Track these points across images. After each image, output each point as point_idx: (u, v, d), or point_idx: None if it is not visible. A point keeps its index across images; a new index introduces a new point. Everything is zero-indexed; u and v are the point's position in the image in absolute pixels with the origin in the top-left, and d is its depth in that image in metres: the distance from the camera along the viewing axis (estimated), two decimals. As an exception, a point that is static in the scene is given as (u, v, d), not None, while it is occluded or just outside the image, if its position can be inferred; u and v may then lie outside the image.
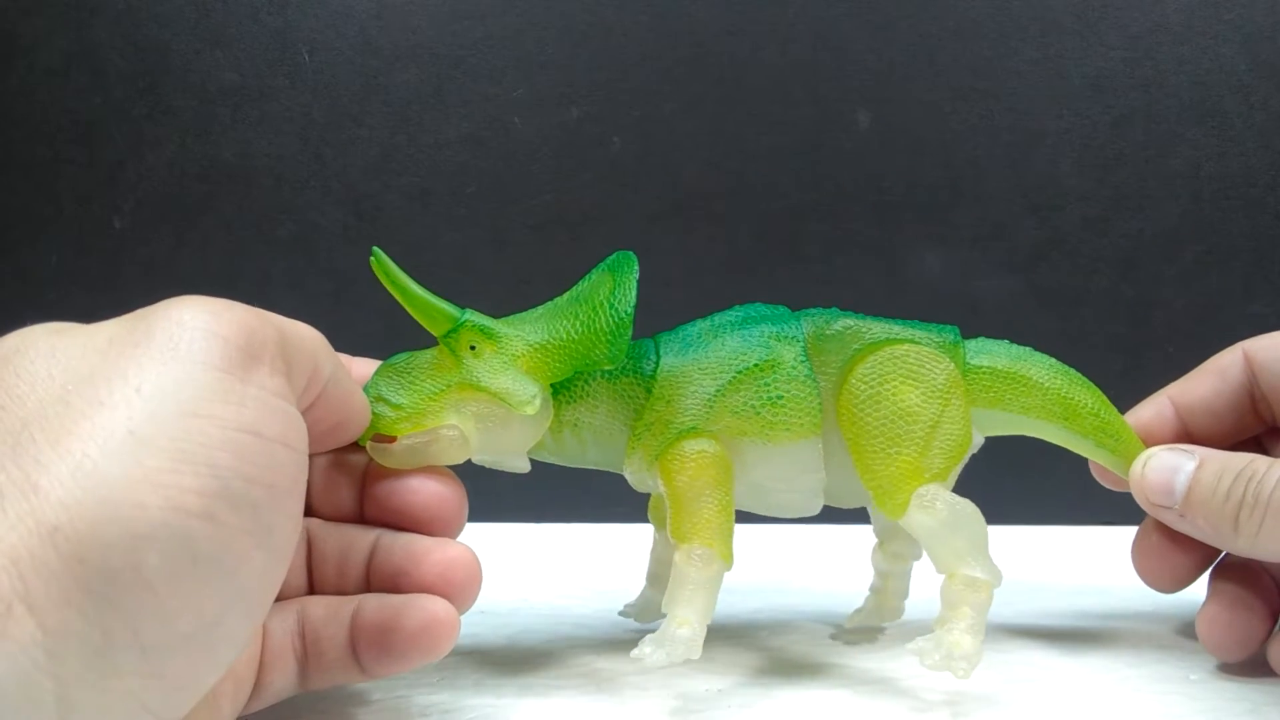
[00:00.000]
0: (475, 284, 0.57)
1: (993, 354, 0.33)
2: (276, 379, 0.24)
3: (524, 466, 0.32)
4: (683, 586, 0.29)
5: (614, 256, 0.32)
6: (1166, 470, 0.32)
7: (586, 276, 0.32)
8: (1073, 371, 0.34)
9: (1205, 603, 0.33)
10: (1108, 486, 0.35)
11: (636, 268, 0.31)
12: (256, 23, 0.57)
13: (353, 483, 0.31)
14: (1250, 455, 0.31)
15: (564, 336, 0.30)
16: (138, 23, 0.57)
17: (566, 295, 0.32)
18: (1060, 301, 0.57)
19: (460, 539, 0.30)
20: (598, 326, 0.30)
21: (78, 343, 0.23)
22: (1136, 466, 0.33)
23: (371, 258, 0.30)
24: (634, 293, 0.30)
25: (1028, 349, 0.34)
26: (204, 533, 0.21)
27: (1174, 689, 0.31)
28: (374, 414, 0.29)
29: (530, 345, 0.30)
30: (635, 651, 0.28)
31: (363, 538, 0.30)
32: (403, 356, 0.30)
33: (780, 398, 0.31)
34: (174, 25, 0.57)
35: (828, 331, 0.32)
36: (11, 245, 0.59)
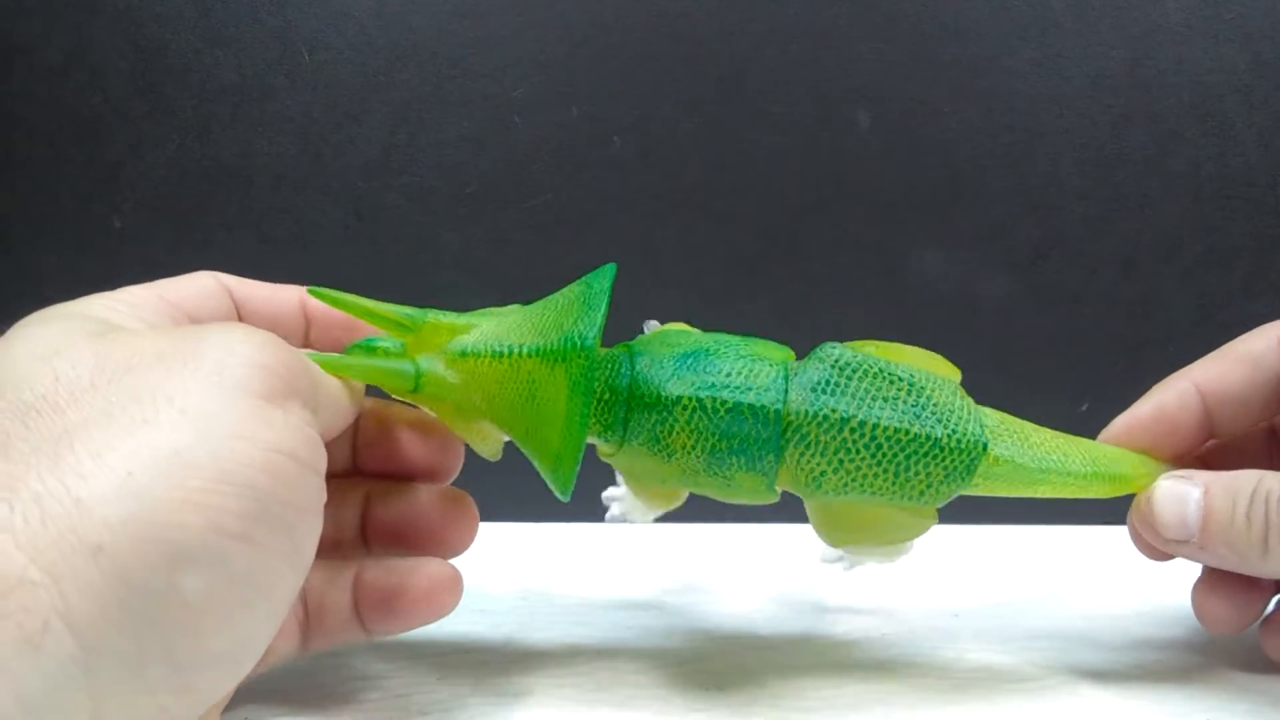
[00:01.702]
0: (475, 284, 0.57)
1: (1011, 479, 0.31)
2: (306, 412, 0.24)
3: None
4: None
5: (569, 340, 0.28)
6: (1175, 501, 0.31)
7: (557, 313, 0.30)
8: (1090, 471, 0.32)
9: (1202, 574, 0.33)
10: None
11: (587, 393, 0.27)
12: (256, 22, 0.57)
13: (345, 436, 0.31)
14: (1255, 473, 0.30)
15: (514, 432, 0.29)
16: (138, 23, 0.57)
17: (530, 366, 0.28)
18: (1060, 301, 0.57)
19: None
20: (545, 458, 0.28)
21: (124, 354, 0.23)
22: (1140, 504, 0.32)
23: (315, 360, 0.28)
24: (581, 443, 0.28)
25: (1053, 470, 0.31)
26: (243, 554, 0.21)
27: (1174, 689, 0.31)
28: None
29: (487, 414, 0.29)
30: (605, 493, 0.32)
31: (351, 493, 0.31)
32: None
33: (735, 489, 0.30)
34: (174, 25, 0.57)
35: (803, 490, 0.30)
36: (11, 245, 0.59)
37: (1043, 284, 0.57)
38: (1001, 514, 0.57)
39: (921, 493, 0.30)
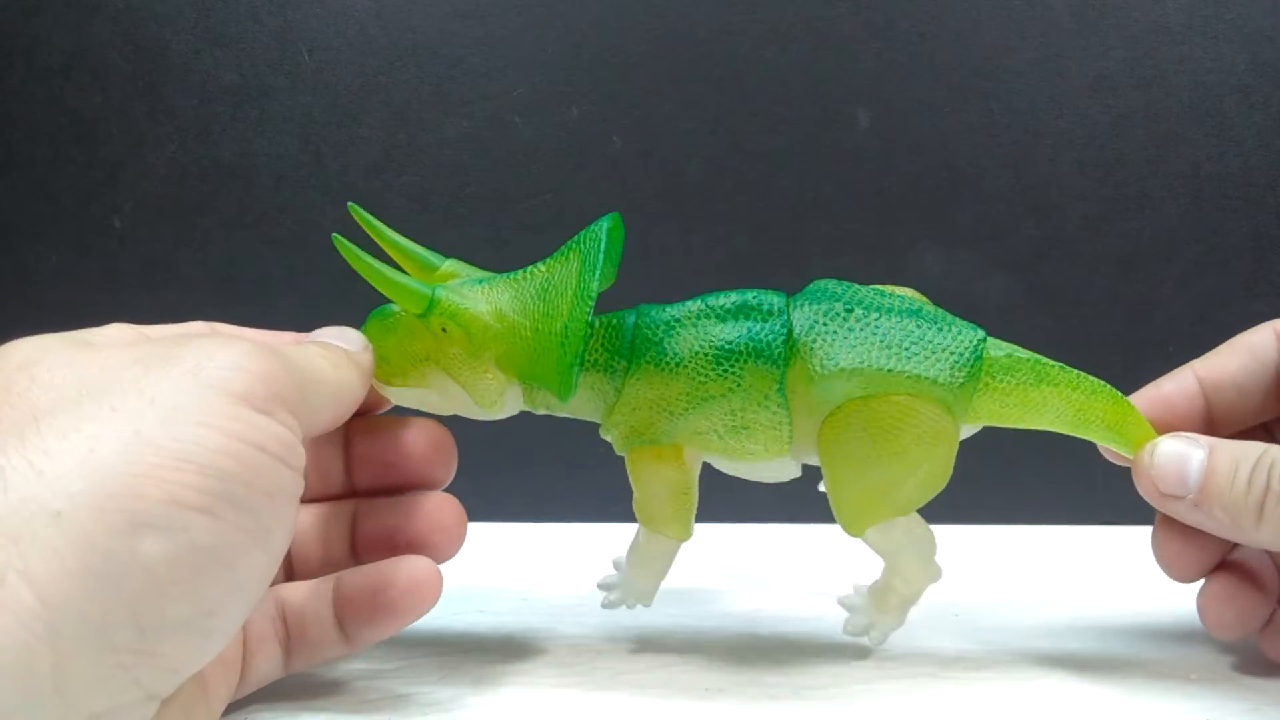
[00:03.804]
0: (475, 284, 0.57)
1: (1014, 375, 0.31)
2: (290, 417, 0.25)
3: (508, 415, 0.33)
4: (641, 555, 0.32)
5: (589, 231, 0.30)
6: (1177, 458, 0.31)
7: (565, 250, 0.31)
8: (1098, 387, 0.32)
9: (1208, 579, 0.33)
10: (1114, 461, 0.34)
11: (598, 270, 0.29)
12: (256, 23, 0.57)
13: (337, 451, 0.32)
14: (1263, 444, 0.30)
15: (520, 342, 0.30)
16: (138, 23, 0.57)
17: (541, 276, 0.31)
18: (1060, 301, 0.57)
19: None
20: (548, 355, 0.29)
21: (100, 357, 0.24)
22: (1144, 456, 0.31)
23: (336, 244, 0.30)
24: (584, 328, 0.29)
25: (1057, 366, 0.32)
26: (203, 526, 0.22)
27: (1174, 689, 0.31)
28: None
29: (494, 336, 0.30)
30: (600, 581, 0.32)
31: (340, 512, 0.31)
32: (393, 311, 0.31)
33: (746, 427, 0.30)
34: (174, 25, 0.57)
35: (819, 372, 0.30)
36: (11, 245, 0.59)
37: (1043, 284, 0.57)
38: (1002, 514, 0.57)
39: (934, 368, 0.30)
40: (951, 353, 0.30)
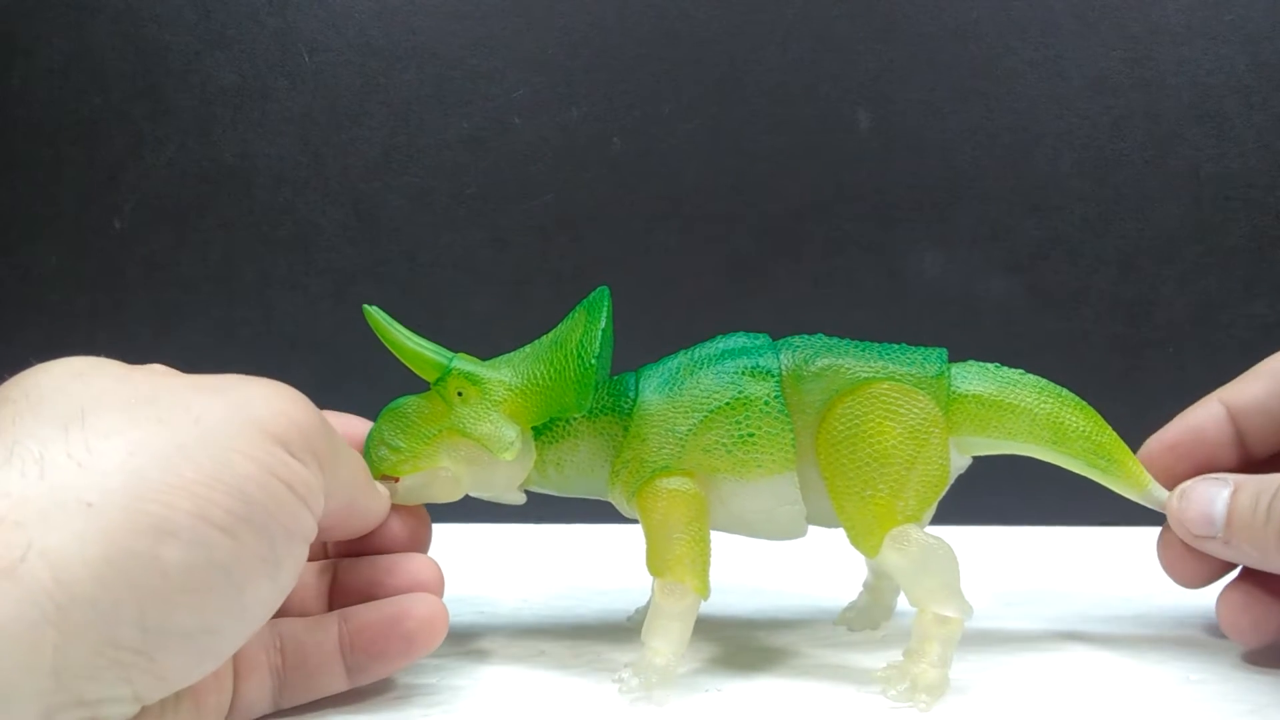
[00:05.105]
0: (475, 284, 0.57)
1: (981, 380, 0.33)
2: (319, 470, 0.26)
3: (518, 499, 0.34)
4: (657, 618, 0.31)
5: (591, 295, 0.33)
6: (1203, 500, 0.32)
7: (569, 315, 0.33)
8: (1065, 393, 0.34)
9: (1228, 586, 0.33)
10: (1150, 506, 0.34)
11: (605, 312, 0.31)
12: (256, 23, 0.57)
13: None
14: None
15: (538, 382, 0.32)
16: (138, 23, 0.57)
17: (549, 336, 0.33)
18: (1060, 301, 0.57)
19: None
20: (567, 375, 0.31)
21: (152, 377, 0.25)
22: (1173, 501, 0.33)
23: (365, 314, 0.32)
24: (598, 340, 0.31)
25: (1018, 372, 0.34)
26: (223, 545, 0.23)
27: (1174, 689, 0.31)
28: (378, 457, 0.32)
29: (510, 390, 0.32)
30: (617, 676, 0.31)
31: (320, 568, 0.32)
32: (403, 401, 0.33)
33: (751, 435, 0.32)
34: (174, 25, 0.57)
35: (806, 371, 0.32)
36: (11, 245, 0.59)
37: (1043, 284, 0.57)
38: (1000, 514, 0.57)
39: (907, 364, 0.32)
40: (920, 354, 0.33)
